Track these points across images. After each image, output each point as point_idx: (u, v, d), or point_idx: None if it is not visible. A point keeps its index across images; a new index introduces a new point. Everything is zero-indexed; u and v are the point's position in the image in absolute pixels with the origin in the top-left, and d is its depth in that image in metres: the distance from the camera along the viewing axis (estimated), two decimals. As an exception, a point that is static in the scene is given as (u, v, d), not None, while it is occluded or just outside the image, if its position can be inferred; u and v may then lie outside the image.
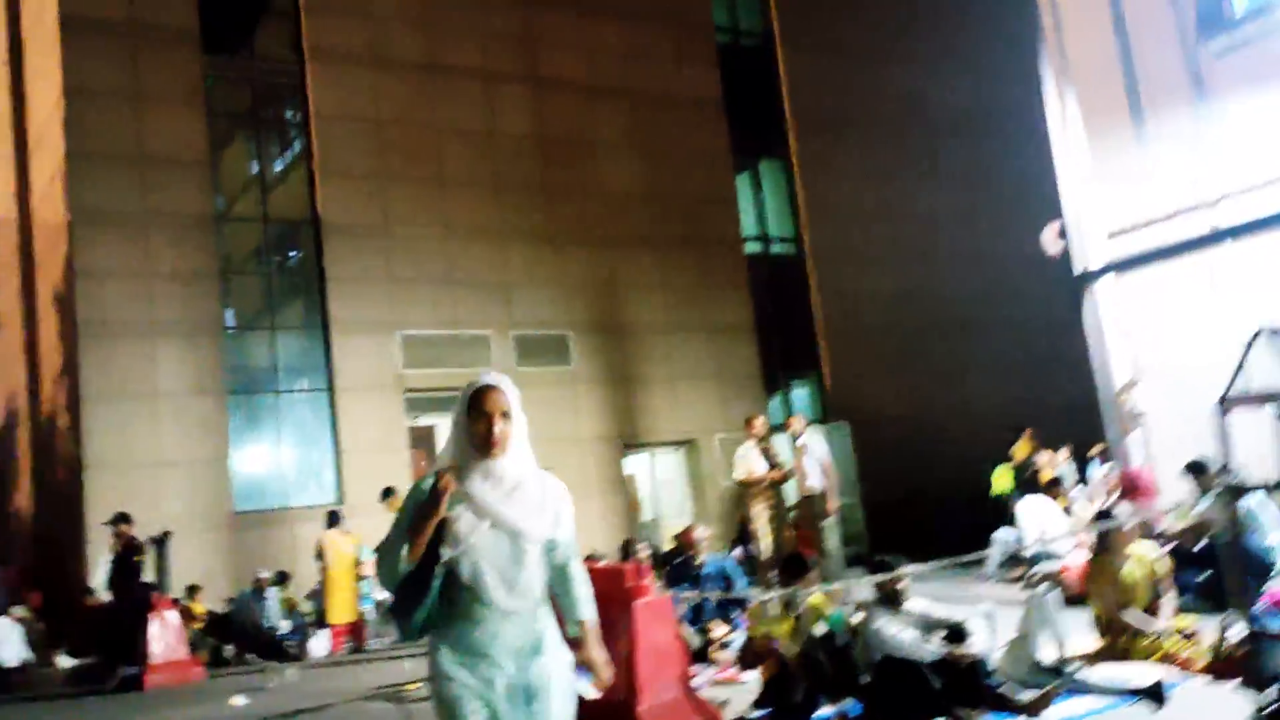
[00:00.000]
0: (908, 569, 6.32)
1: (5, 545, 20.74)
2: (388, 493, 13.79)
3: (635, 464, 19.99)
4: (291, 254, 18.19)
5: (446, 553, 3.19)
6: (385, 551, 3.29)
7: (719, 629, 8.90)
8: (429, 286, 18.30)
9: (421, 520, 3.17)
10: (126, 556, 11.30)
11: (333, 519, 12.99)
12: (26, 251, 18.53)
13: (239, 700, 8.60)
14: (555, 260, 19.47)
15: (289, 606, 15.55)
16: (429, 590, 3.18)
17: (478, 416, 3.31)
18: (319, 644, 12.21)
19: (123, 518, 11.49)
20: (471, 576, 3.20)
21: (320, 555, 12.64)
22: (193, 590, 13.81)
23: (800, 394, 22.19)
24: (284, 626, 14.29)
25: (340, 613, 12.16)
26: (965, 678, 5.78)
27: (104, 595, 12.70)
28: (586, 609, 3.43)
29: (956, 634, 5.97)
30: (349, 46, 18.21)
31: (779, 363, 21.65)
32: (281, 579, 15.70)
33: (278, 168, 18.84)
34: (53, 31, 16.49)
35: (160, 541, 15.69)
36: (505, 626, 3.20)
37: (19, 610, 14.28)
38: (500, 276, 18.95)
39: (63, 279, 16.29)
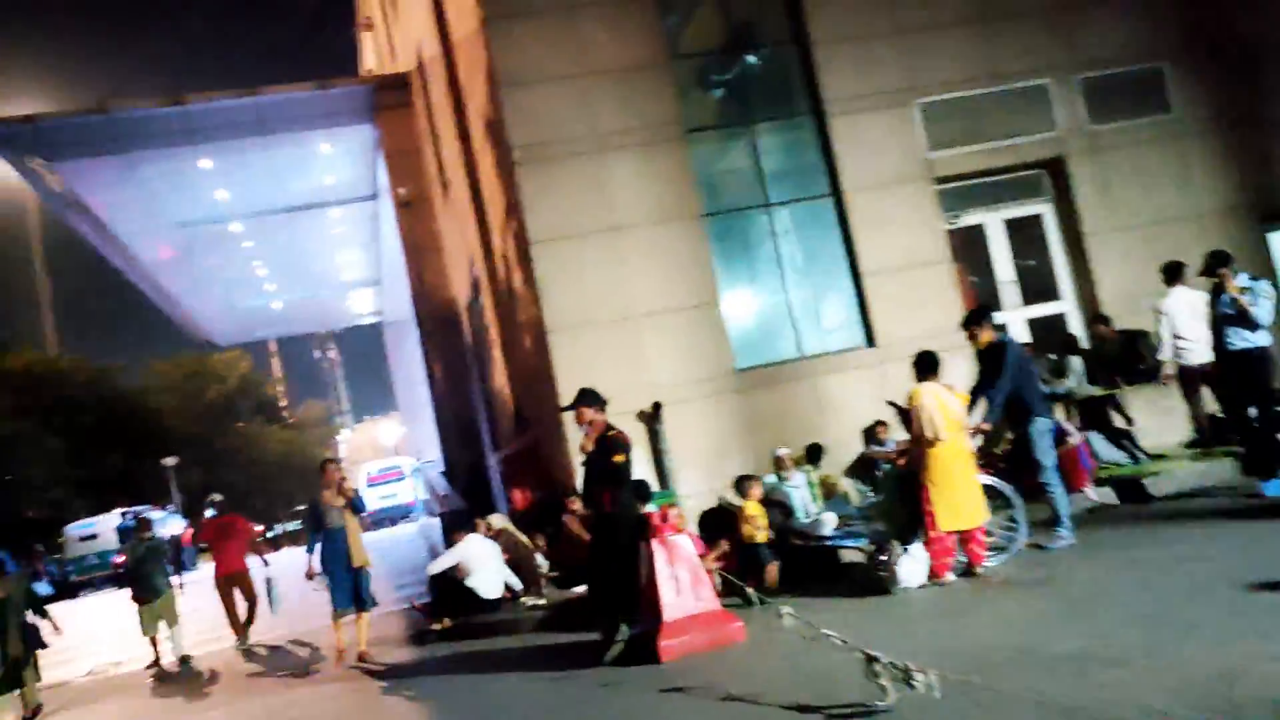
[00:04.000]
0: None
1: (494, 436, 18.24)
2: (978, 317, 8.58)
3: (1281, 245, 13.16)
4: (761, 20, 13.11)
5: None
6: None
7: None
8: (951, 30, 12.51)
9: None
10: (603, 455, 7.08)
11: (927, 364, 7.84)
12: (454, 81, 15.13)
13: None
14: (1131, -40, 12.86)
15: (826, 492, 11.04)
16: None
17: None
18: (913, 568, 7.35)
19: (588, 398, 7.19)
20: None
21: (909, 418, 7.61)
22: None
23: None
24: (826, 524, 9.73)
25: (954, 513, 7.20)
26: None
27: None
28: None
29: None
30: None
31: None
32: (813, 455, 11.19)
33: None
34: None
35: (651, 417, 11.81)
36: None
37: (497, 520, 10.93)
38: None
39: (487, 96, 12.50)
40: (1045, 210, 12.92)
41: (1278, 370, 9.22)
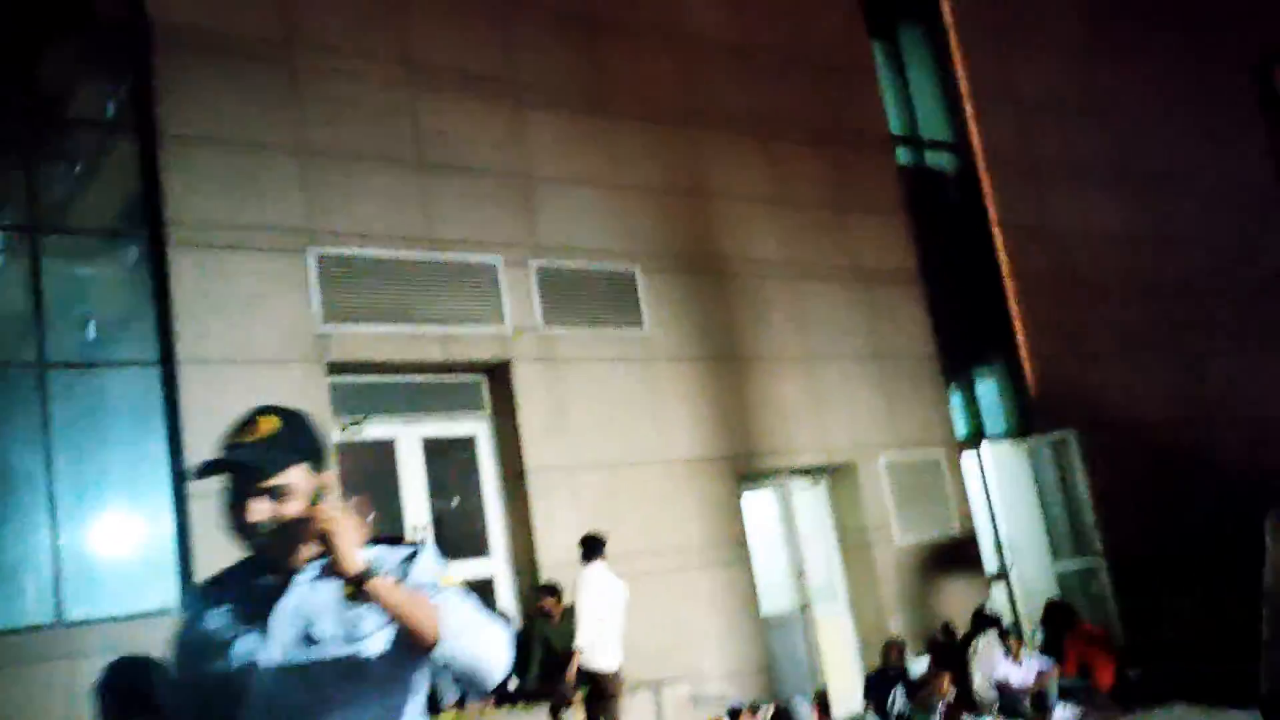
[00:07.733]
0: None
1: None
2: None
3: (754, 504, 10.50)
4: (92, 89, 8.53)
5: None
6: None
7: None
8: (377, 167, 8.83)
9: None
10: None
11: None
12: None
13: None
14: (608, 140, 10.14)
15: None
16: None
17: None
18: None
19: None
20: None
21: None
22: None
23: (986, 389, 13.03)
24: None
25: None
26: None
27: None
28: None
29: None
30: None
31: (958, 339, 12.50)
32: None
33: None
34: None
35: None
36: None
37: None
38: (514, 160, 9.53)
39: None
40: (481, 431, 9.22)
41: None
